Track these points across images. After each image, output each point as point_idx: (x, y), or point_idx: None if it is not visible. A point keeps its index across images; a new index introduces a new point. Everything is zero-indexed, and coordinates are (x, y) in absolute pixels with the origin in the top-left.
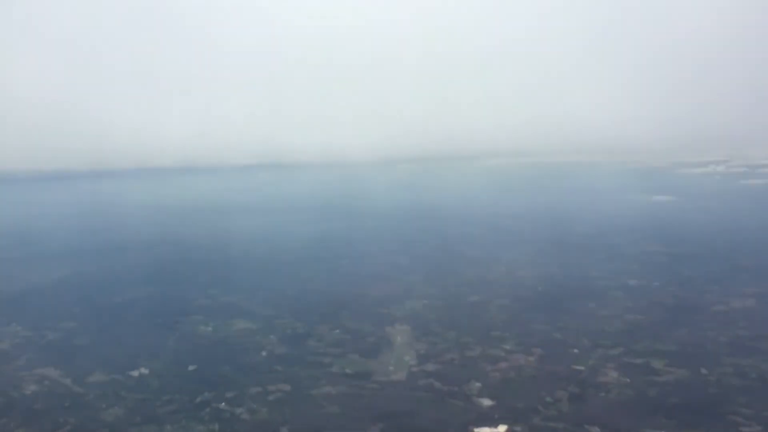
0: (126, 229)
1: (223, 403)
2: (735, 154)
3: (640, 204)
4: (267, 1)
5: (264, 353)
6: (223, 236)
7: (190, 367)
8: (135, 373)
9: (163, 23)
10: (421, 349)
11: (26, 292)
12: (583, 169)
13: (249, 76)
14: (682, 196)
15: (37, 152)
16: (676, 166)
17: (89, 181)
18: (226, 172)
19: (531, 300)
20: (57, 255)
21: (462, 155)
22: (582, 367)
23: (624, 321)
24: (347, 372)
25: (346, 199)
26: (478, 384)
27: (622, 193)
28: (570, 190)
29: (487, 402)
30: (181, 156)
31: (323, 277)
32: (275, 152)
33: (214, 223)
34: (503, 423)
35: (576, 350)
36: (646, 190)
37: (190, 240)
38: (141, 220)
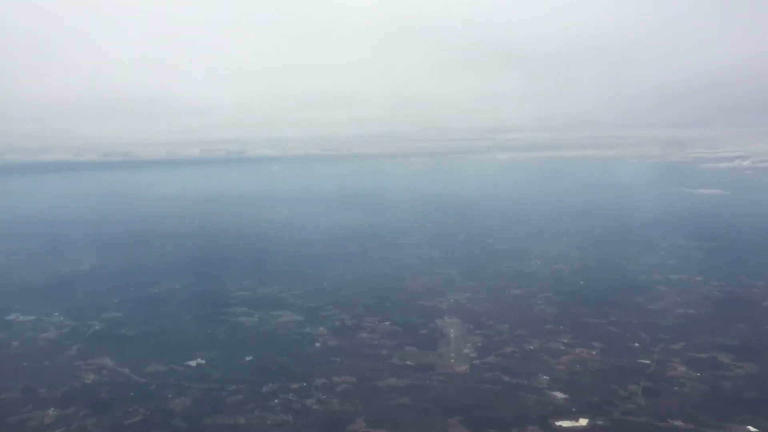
0: (150, 219)
1: (291, 394)
2: (751, 150)
3: (689, 197)
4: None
5: (318, 344)
6: (248, 227)
7: (247, 358)
8: (192, 363)
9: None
10: (477, 341)
11: (60, 282)
12: (601, 164)
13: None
14: (730, 190)
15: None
16: (696, 161)
17: (108, 171)
18: (236, 163)
19: (575, 293)
20: (83, 245)
21: (472, 149)
22: (648, 361)
23: (677, 315)
24: (409, 364)
25: (364, 192)
26: (546, 377)
27: (663, 187)
28: (599, 184)
29: (560, 395)
30: (199, 148)
31: (357, 269)
32: (280, 144)
33: (237, 214)
34: (583, 417)
35: (636, 344)
36: (688, 184)
37: (216, 231)
38: (164, 210)
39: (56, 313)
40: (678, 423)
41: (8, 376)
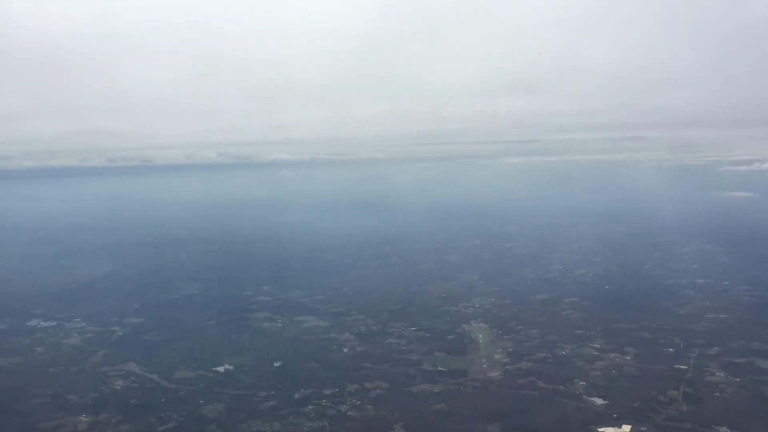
0: (163, 224)
1: (324, 400)
2: (765, 153)
3: (716, 200)
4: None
5: (346, 350)
6: (262, 232)
7: (276, 364)
8: (221, 369)
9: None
10: (508, 347)
11: (78, 287)
12: (614, 167)
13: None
14: (757, 192)
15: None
16: (713, 164)
17: (120, 176)
18: (243, 167)
19: (602, 298)
20: (99, 250)
21: (480, 154)
22: (685, 367)
23: (709, 320)
24: (440, 369)
25: (375, 196)
26: (582, 383)
27: (685, 190)
28: (617, 188)
29: (599, 401)
30: (206, 153)
31: (377, 274)
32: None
33: (249, 219)
34: (625, 423)
35: (671, 349)
36: (711, 187)
37: (230, 235)
38: (177, 215)
39: (77, 319)
40: (723, 429)
41: (36, 382)
